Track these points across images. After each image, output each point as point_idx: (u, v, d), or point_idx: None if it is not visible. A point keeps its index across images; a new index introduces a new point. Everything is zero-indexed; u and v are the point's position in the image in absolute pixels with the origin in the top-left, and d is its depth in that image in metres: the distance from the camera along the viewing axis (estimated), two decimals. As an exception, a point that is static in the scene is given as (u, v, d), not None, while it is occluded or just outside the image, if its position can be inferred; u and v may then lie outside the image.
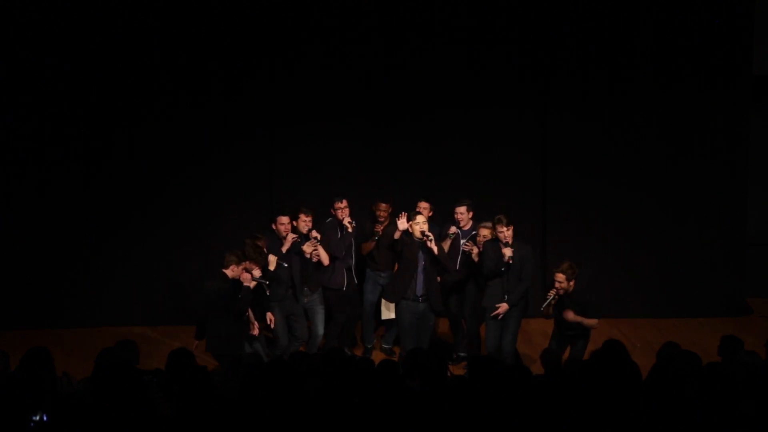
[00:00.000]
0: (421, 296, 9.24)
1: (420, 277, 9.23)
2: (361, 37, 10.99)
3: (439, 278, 9.50)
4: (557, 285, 8.82)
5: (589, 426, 5.92)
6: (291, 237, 9.49)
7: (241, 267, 8.77)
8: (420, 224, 9.17)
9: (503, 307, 9.15)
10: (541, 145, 11.35)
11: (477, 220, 9.81)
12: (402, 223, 9.25)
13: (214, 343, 8.78)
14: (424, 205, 9.85)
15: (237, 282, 8.74)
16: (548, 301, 8.87)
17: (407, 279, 9.24)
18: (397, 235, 9.28)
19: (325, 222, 9.93)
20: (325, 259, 9.74)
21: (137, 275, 11.00)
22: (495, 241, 9.26)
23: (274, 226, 9.59)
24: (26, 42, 10.59)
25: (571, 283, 8.84)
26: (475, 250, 9.49)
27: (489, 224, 9.45)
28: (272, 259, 9.29)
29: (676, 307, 11.49)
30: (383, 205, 10.08)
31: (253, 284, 8.77)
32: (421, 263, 9.20)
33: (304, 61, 10.97)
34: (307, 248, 9.58)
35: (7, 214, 10.82)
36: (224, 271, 8.77)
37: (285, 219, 9.55)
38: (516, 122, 11.27)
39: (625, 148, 11.36)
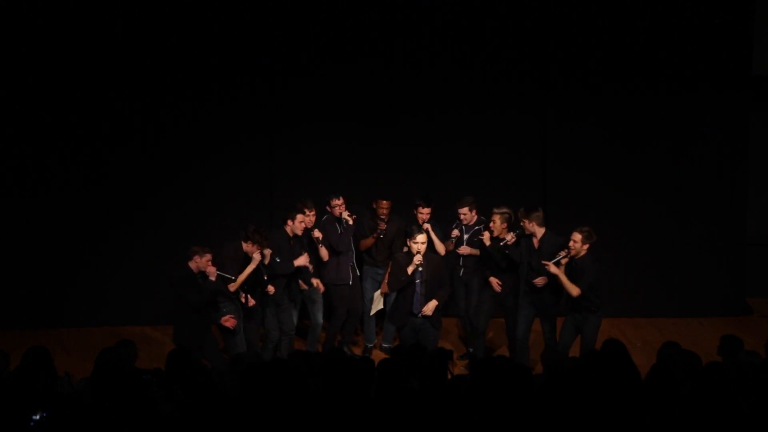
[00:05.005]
0: (418, 313, 9.15)
1: (417, 295, 9.16)
2: (362, 37, 10.99)
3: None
4: (571, 244, 8.92)
5: (589, 426, 5.91)
6: (304, 259, 9.56)
7: (204, 259, 8.79)
8: (419, 244, 9.09)
9: (545, 276, 9.14)
10: (542, 145, 11.36)
11: (484, 216, 9.90)
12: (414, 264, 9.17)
13: (179, 334, 8.87)
14: (425, 211, 9.81)
15: (200, 275, 8.80)
16: (558, 258, 8.95)
17: (409, 298, 9.21)
18: (410, 270, 9.14)
19: (322, 219, 9.96)
20: (325, 255, 9.79)
21: (137, 275, 11.00)
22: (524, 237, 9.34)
23: (286, 226, 9.60)
24: (26, 41, 10.58)
25: (584, 248, 8.92)
26: (486, 235, 9.52)
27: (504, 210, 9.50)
28: (267, 252, 9.31)
29: (676, 307, 11.50)
30: (384, 202, 10.08)
31: (214, 278, 8.80)
32: (418, 281, 9.13)
33: (305, 61, 10.97)
34: (302, 261, 9.65)
35: (7, 214, 10.82)
36: (188, 263, 8.83)
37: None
38: (516, 122, 11.28)
39: (625, 148, 11.37)
